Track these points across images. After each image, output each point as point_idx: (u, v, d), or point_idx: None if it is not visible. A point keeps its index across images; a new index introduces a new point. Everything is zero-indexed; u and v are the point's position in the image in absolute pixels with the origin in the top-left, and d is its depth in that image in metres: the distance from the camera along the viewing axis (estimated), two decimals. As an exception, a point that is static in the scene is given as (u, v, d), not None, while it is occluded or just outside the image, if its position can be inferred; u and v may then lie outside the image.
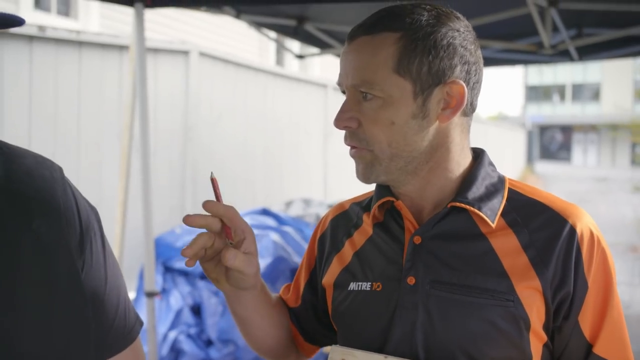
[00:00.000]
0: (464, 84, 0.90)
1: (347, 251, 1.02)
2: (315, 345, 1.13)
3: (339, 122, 0.92)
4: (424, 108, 0.89)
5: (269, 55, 9.37)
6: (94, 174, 3.76)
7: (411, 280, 0.91)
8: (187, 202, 4.53)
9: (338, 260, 1.03)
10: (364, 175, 0.94)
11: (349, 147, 0.95)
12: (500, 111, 37.10)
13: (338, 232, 1.06)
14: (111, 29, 5.84)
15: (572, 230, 0.90)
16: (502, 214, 0.93)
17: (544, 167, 27.73)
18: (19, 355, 0.74)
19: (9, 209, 0.78)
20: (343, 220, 1.07)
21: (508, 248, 0.91)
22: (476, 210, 0.92)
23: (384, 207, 0.99)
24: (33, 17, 5.55)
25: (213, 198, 0.93)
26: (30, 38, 3.27)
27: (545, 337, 0.90)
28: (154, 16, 6.06)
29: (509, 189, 0.97)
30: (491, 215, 0.92)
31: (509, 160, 18.27)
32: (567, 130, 36.77)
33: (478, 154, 0.99)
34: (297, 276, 1.13)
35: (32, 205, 0.80)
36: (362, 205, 1.06)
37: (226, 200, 0.93)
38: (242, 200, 4.89)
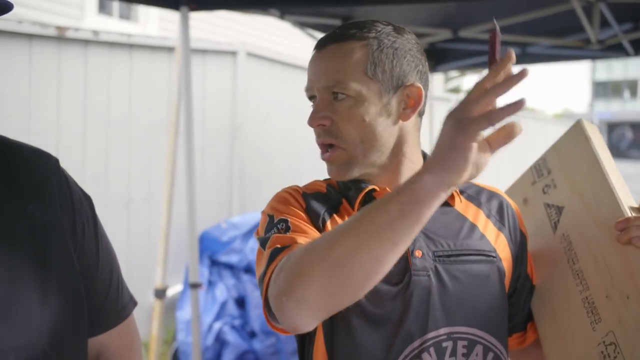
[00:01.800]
0: (421, 86, 1.02)
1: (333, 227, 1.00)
2: None
3: (312, 120, 1.01)
4: (388, 107, 1.01)
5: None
6: (145, 171, 3.93)
7: (419, 253, 1.00)
8: (234, 198, 4.65)
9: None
10: (339, 173, 1.03)
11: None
12: (566, 108, 35.76)
13: (319, 205, 1.04)
14: (170, 32, 6.05)
15: (506, 200, 1.14)
16: (460, 193, 1.10)
17: (612, 166, 26.43)
18: (16, 325, 0.82)
19: (6, 195, 0.87)
20: (321, 197, 1.06)
21: (478, 217, 1.09)
22: None
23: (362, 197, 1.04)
24: (97, 22, 5.83)
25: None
26: (86, 42, 3.46)
27: (508, 286, 1.10)
28: (209, 17, 6.23)
29: None
30: (456, 192, 1.08)
31: (573, 159, 17.49)
32: (638, 127, 35.07)
33: (424, 153, 1.10)
34: (301, 229, 0.97)
35: (27, 192, 0.89)
36: (338, 189, 1.08)
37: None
38: (289, 196, 4.95)
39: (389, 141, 1.01)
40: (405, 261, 0.99)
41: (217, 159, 4.54)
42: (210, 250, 3.77)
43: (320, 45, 1.03)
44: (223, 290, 3.73)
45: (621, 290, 0.99)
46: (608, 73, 35.24)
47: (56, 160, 0.95)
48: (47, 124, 3.21)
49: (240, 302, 3.74)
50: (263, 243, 0.97)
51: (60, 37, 3.28)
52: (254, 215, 3.84)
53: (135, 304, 1.06)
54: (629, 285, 0.98)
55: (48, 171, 0.93)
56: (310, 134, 1.06)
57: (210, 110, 4.47)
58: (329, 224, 1.01)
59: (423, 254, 1.00)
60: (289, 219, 0.97)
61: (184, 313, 3.62)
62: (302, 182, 1.13)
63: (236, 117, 4.65)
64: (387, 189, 1.03)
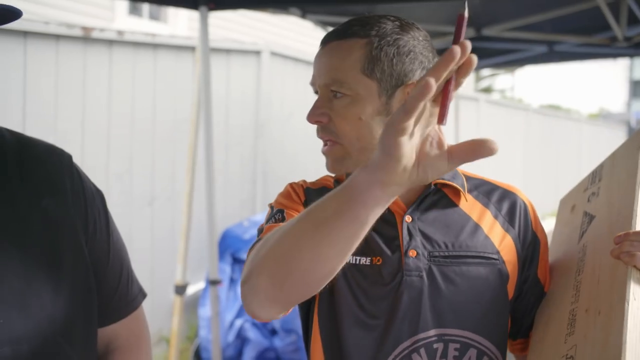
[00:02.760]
0: None
1: None
2: None
3: (311, 117, 1.01)
4: (387, 106, 0.99)
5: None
6: (169, 169, 3.98)
7: (413, 253, 1.01)
8: (258, 196, 4.68)
9: None
10: (333, 167, 1.03)
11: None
12: (602, 107, 34.94)
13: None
14: (198, 32, 6.12)
15: (521, 200, 1.11)
16: (468, 191, 1.09)
17: (650, 167, 25.71)
18: (30, 316, 0.85)
19: (21, 189, 0.90)
20: (325, 192, 1.04)
21: (484, 218, 1.07)
22: (455, 185, 1.06)
23: None
24: (127, 22, 5.94)
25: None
26: (110, 42, 3.53)
27: (513, 290, 1.07)
28: (234, 17, 6.29)
29: (463, 174, 1.10)
30: (463, 190, 1.08)
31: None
32: (678, 127, 33.98)
33: None
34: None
35: (42, 187, 0.92)
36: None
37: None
38: (313, 195, 4.97)
39: None
40: (399, 261, 1.00)
41: (240, 157, 4.58)
42: (232, 248, 3.81)
43: (324, 42, 1.03)
44: (245, 288, 3.77)
45: (597, 305, 0.94)
46: (647, 71, 34.27)
47: (69, 157, 0.99)
48: (73, 123, 3.28)
49: (262, 300, 3.77)
50: (258, 233, 1.02)
51: (86, 38, 3.35)
52: (276, 214, 3.86)
53: (144, 295, 1.10)
54: (604, 300, 0.94)
55: (62, 167, 0.96)
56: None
57: (234, 109, 4.51)
58: None
59: (418, 254, 1.00)
60: (285, 210, 1.01)
61: (206, 310, 3.67)
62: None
63: (260, 116, 4.69)
64: None
